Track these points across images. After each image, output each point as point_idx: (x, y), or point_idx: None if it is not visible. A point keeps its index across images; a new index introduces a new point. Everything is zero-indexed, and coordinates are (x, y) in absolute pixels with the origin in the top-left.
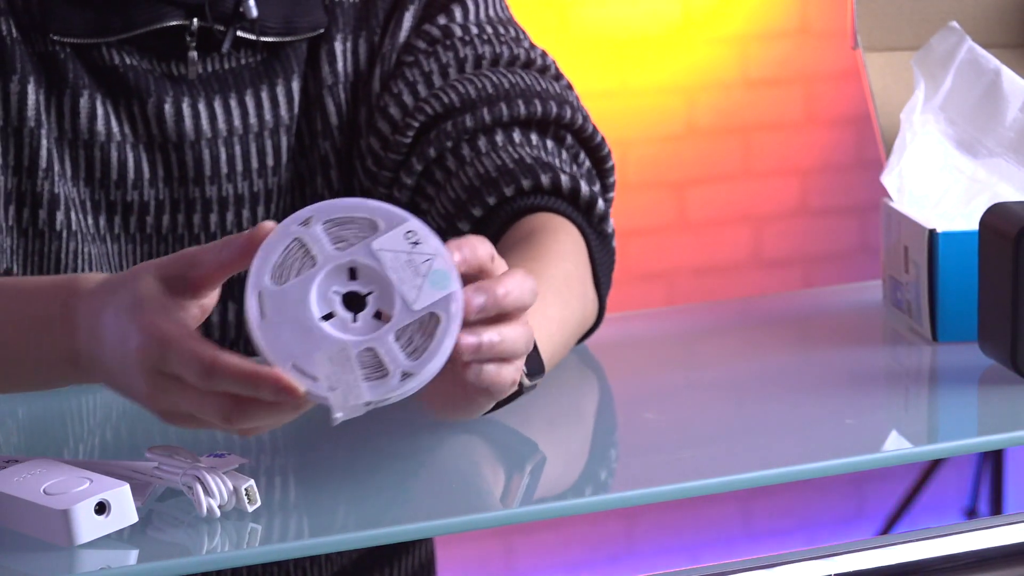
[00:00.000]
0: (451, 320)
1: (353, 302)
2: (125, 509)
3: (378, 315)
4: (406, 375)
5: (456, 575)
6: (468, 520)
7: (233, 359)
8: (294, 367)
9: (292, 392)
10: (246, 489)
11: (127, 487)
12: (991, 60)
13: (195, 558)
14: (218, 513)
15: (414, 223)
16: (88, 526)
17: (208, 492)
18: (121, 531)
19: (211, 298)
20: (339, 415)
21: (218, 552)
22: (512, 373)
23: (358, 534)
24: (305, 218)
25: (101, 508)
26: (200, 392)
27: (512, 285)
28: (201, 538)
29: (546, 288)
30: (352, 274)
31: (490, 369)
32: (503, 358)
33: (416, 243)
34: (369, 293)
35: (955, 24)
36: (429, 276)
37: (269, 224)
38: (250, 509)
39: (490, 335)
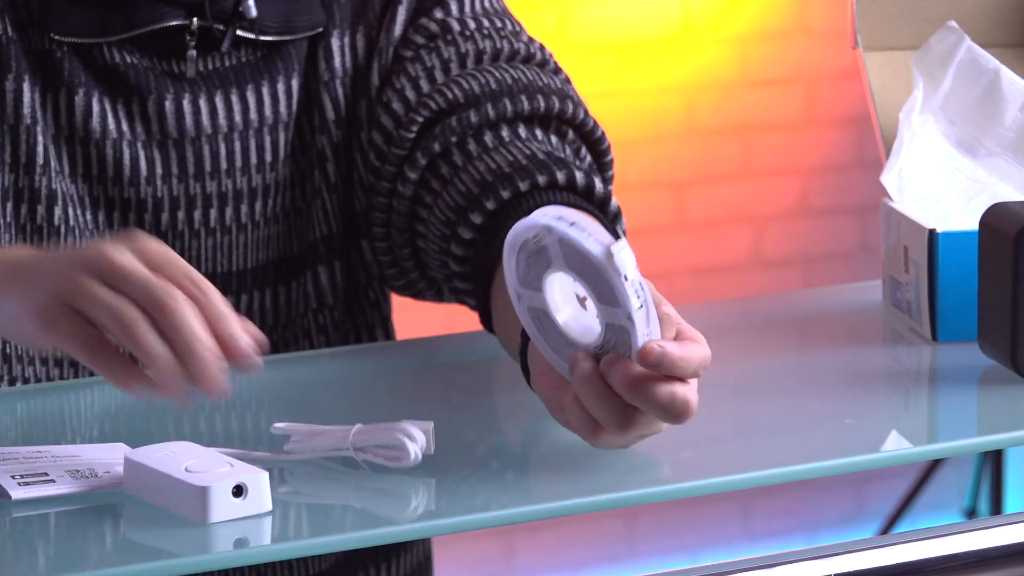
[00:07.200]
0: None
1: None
2: (262, 495)
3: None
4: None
5: (456, 574)
6: (468, 520)
7: None
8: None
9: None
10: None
11: (266, 475)
12: (990, 60)
13: (195, 558)
14: (420, 457)
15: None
16: (224, 506)
17: (410, 437)
18: (121, 531)
19: None
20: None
21: (218, 552)
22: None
23: (358, 534)
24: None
25: (239, 491)
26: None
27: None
28: (201, 539)
29: None
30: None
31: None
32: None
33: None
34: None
35: (954, 24)
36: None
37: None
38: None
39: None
